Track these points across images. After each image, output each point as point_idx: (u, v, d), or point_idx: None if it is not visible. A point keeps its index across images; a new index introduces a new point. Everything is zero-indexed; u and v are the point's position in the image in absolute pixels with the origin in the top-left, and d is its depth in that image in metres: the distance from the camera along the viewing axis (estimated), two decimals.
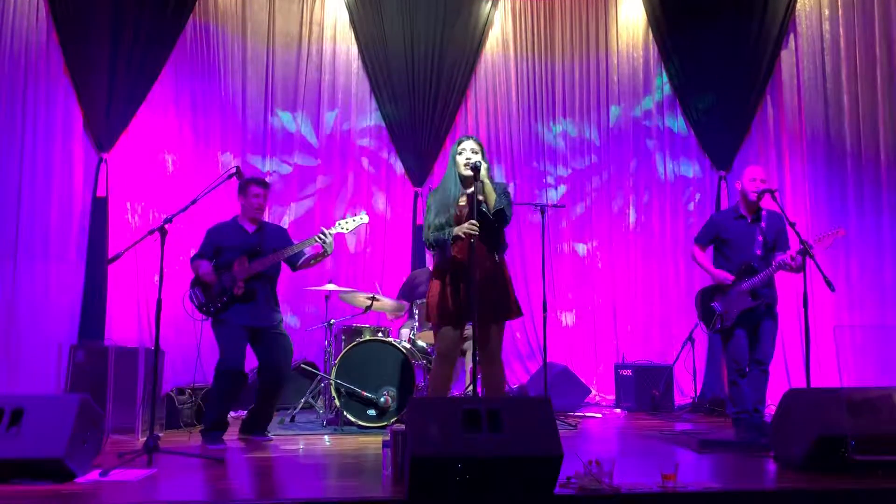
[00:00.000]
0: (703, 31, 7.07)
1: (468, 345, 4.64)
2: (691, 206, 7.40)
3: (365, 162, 7.36)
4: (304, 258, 4.63)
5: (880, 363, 6.02)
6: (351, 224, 4.52)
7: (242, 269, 4.43)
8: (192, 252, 4.74)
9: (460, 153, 3.99)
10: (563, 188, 7.55)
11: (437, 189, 4.12)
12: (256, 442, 4.49)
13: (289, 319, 6.68)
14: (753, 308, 4.62)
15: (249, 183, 4.61)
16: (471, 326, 3.82)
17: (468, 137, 4.08)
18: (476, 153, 3.96)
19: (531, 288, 7.27)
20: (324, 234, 4.44)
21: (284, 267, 4.71)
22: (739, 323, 4.63)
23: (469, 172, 3.90)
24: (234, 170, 4.39)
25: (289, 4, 7.30)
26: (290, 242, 4.62)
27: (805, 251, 4.31)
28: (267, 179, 4.86)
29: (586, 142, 7.61)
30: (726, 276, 4.66)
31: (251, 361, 4.59)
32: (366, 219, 4.55)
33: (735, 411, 4.67)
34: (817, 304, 6.24)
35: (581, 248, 7.53)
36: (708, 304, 4.76)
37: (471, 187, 3.93)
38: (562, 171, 7.58)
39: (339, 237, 4.70)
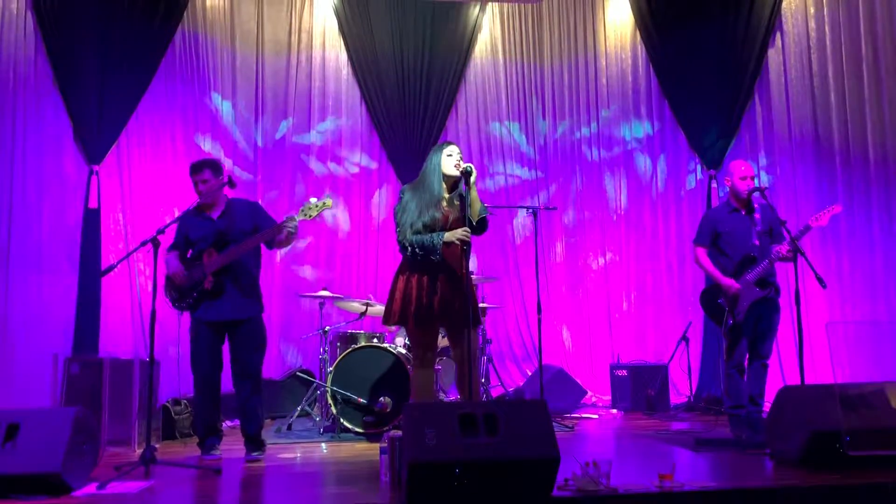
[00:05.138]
0: (691, 31, 7.10)
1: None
2: (682, 206, 7.42)
3: (356, 167, 7.37)
4: (276, 241, 4.33)
5: (873, 359, 6.05)
6: (314, 210, 4.24)
7: (211, 261, 4.22)
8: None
9: (449, 155, 4.01)
10: (553, 188, 7.58)
11: (414, 188, 4.04)
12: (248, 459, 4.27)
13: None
14: (762, 299, 4.55)
15: (191, 170, 4.32)
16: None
17: (451, 143, 4.12)
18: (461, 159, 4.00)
19: (525, 290, 7.28)
20: (288, 223, 4.18)
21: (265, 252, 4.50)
22: (747, 319, 4.56)
23: (457, 172, 3.92)
24: (226, 179, 4.39)
25: (277, 12, 7.31)
26: (263, 219, 4.39)
27: (796, 249, 4.32)
28: (216, 161, 4.46)
29: (576, 143, 7.64)
30: (731, 283, 4.55)
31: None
32: (329, 203, 4.28)
33: (730, 406, 4.65)
34: (810, 301, 6.27)
35: (574, 250, 7.55)
36: (715, 301, 4.63)
37: (454, 190, 3.97)
38: (553, 173, 7.60)
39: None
